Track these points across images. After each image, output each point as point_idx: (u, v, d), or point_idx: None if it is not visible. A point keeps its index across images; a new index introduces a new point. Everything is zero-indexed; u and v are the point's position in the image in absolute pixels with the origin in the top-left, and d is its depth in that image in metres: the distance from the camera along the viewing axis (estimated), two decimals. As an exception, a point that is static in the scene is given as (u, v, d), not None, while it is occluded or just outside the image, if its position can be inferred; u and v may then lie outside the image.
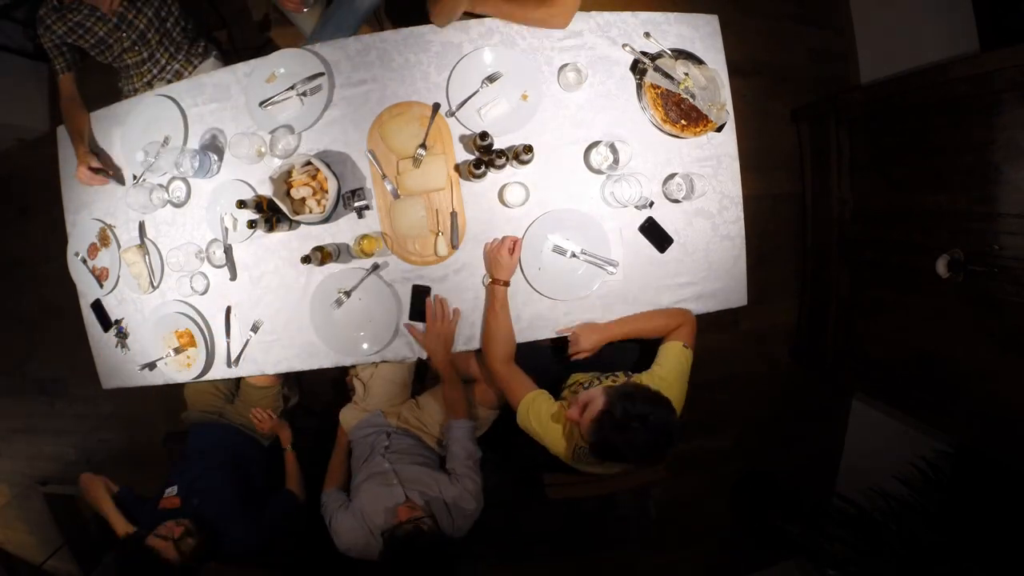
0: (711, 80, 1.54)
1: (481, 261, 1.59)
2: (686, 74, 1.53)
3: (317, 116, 1.59)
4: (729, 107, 1.57)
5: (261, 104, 1.61)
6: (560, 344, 1.60)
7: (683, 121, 1.54)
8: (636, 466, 1.29)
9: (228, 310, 1.68)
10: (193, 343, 1.68)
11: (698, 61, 1.57)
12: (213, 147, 1.66)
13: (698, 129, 1.54)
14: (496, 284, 1.52)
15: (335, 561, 1.54)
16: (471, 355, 1.72)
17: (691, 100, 1.53)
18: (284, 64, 1.62)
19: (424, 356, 1.64)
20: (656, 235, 1.58)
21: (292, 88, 1.60)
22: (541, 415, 1.39)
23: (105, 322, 1.80)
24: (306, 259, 1.50)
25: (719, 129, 1.57)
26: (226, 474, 1.69)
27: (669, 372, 1.42)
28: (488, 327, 1.53)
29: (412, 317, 1.61)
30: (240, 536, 1.59)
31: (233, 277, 1.67)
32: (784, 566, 2.64)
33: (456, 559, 1.34)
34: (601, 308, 1.60)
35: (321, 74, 1.59)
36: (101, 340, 1.82)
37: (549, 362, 1.77)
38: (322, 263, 1.54)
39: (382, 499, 1.46)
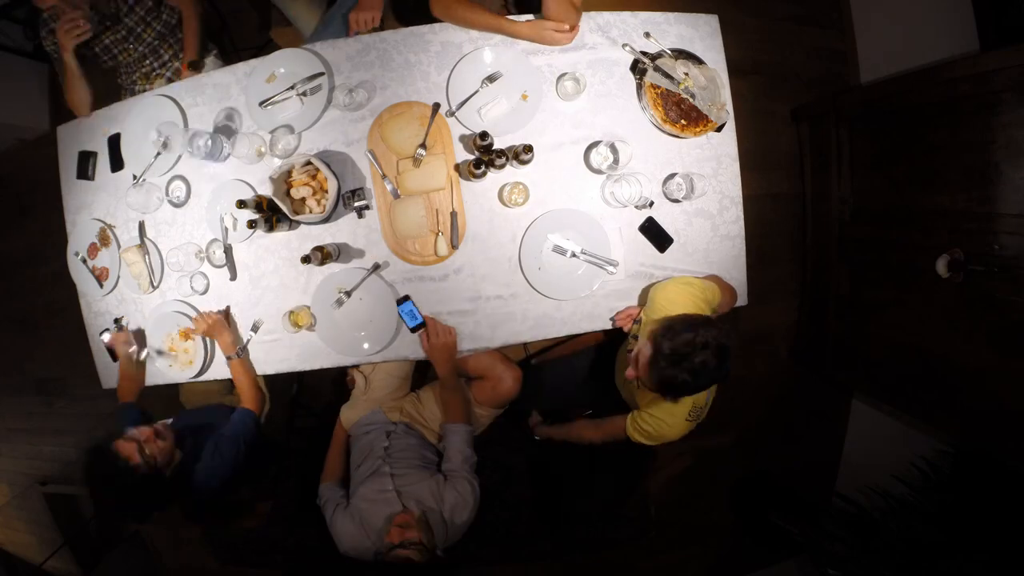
0: (711, 80, 1.54)
1: (480, 260, 1.59)
2: (686, 74, 1.53)
3: (317, 116, 1.59)
4: (729, 107, 1.57)
5: (261, 104, 1.61)
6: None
7: (683, 121, 1.54)
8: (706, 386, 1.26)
9: (226, 310, 1.68)
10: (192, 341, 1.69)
11: (698, 61, 1.57)
12: (226, 131, 1.66)
13: (698, 129, 1.54)
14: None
15: (335, 561, 1.54)
16: (474, 356, 1.71)
17: (691, 100, 1.53)
18: (284, 64, 1.62)
19: (424, 356, 1.64)
20: (656, 235, 1.58)
21: (292, 88, 1.60)
22: (644, 430, 1.44)
23: (114, 354, 1.79)
24: (306, 259, 1.50)
25: (719, 129, 1.57)
26: (218, 429, 1.63)
27: (671, 304, 1.37)
28: (584, 440, 1.72)
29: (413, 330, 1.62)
30: (213, 466, 1.49)
31: (233, 277, 1.67)
32: (784, 566, 2.64)
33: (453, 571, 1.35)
34: (604, 308, 1.60)
35: (321, 74, 1.59)
36: (101, 340, 1.82)
37: (584, 374, 1.81)
38: (322, 263, 1.54)
39: (380, 506, 1.46)
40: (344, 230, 1.62)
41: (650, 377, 1.21)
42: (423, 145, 1.53)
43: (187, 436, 1.56)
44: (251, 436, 1.57)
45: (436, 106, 1.54)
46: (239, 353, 1.64)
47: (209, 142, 1.57)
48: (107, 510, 1.39)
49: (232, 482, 1.55)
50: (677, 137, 1.57)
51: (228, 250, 1.65)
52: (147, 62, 1.89)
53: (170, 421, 1.62)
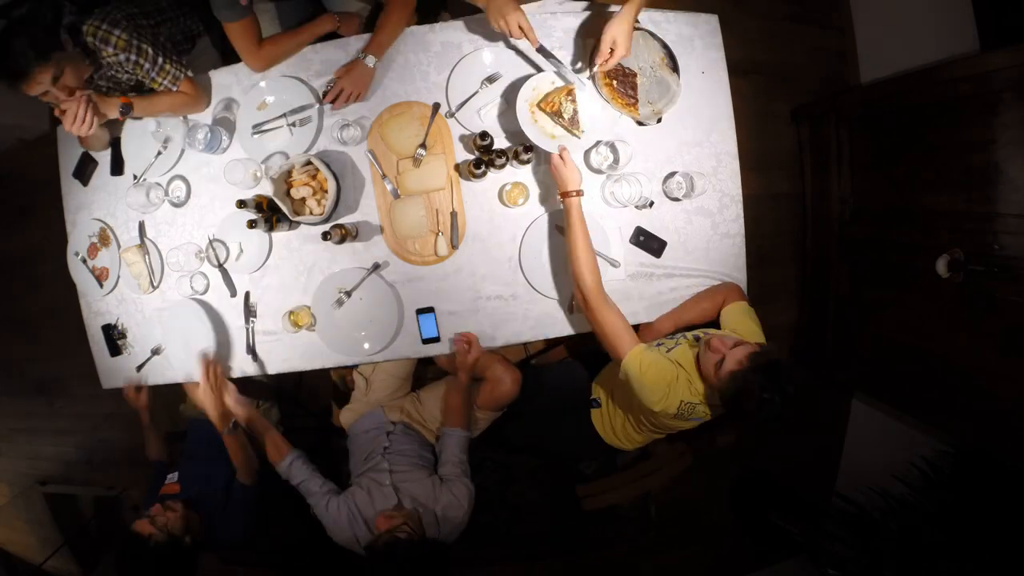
0: (666, 85, 1.54)
1: (480, 260, 1.59)
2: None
3: (307, 147, 1.59)
4: (680, 117, 1.57)
5: (253, 129, 1.60)
6: None
7: (616, 85, 1.54)
8: (748, 423, 1.34)
9: (247, 295, 1.67)
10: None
11: (674, 69, 1.56)
12: (225, 123, 1.65)
13: (623, 104, 1.54)
14: (568, 196, 1.40)
15: (335, 561, 1.55)
16: (489, 357, 1.71)
17: (637, 78, 1.54)
18: (274, 93, 1.62)
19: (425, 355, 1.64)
20: (648, 243, 1.59)
21: (283, 116, 1.60)
22: (646, 369, 1.33)
23: (113, 347, 1.80)
24: (326, 236, 1.49)
25: (639, 123, 1.57)
26: (223, 468, 1.68)
27: (752, 334, 1.43)
28: (573, 248, 1.39)
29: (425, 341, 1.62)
30: (227, 526, 1.61)
31: (233, 294, 1.67)
32: (784, 566, 2.64)
33: (446, 562, 1.35)
34: (601, 308, 1.60)
35: (311, 105, 1.58)
36: (101, 340, 1.82)
37: (584, 376, 1.77)
38: (341, 241, 1.53)
39: (377, 501, 1.47)
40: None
41: (729, 376, 1.24)
42: (423, 145, 1.53)
43: (195, 486, 1.63)
44: (252, 503, 1.66)
45: (436, 106, 1.54)
46: (232, 429, 1.57)
47: (208, 135, 1.57)
48: None
49: (254, 532, 1.70)
50: (608, 103, 1.55)
51: (225, 270, 1.65)
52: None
53: (176, 476, 1.68)
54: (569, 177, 1.40)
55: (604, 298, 1.37)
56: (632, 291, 1.60)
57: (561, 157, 1.41)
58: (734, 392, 1.23)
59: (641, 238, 1.58)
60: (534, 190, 1.56)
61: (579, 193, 1.40)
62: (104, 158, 1.77)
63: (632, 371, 1.32)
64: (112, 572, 2.79)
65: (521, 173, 1.57)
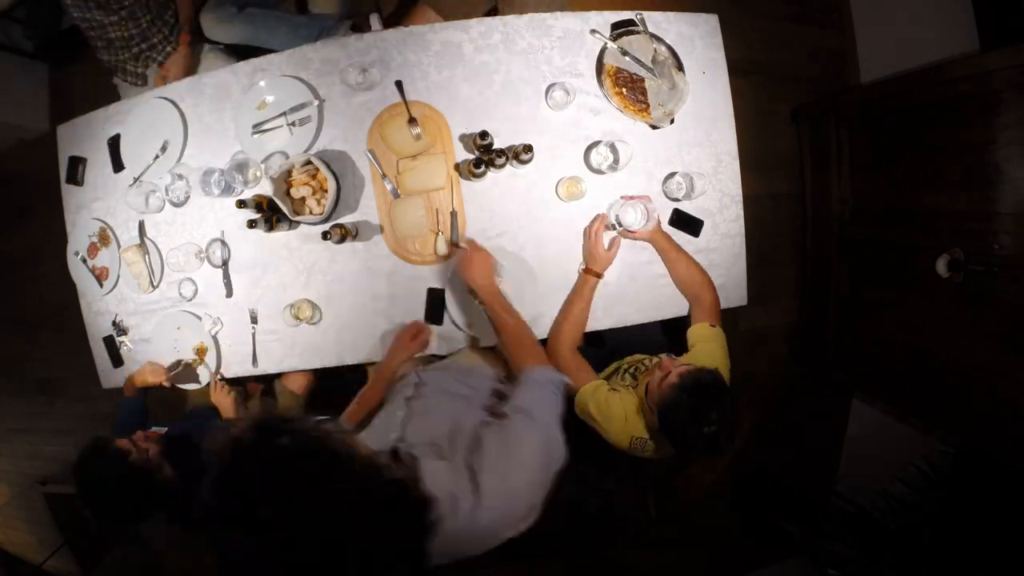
0: (674, 83, 1.54)
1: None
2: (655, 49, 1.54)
3: (307, 147, 1.58)
4: (679, 118, 1.56)
5: (253, 129, 1.60)
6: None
7: (627, 92, 1.55)
8: (683, 454, 1.29)
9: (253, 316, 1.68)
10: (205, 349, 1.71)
11: (679, 67, 1.57)
12: (240, 168, 1.62)
13: (635, 110, 1.55)
14: (589, 274, 1.51)
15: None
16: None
17: (645, 82, 1.54)
18: (273, 92, 1.62)
19: (430, 352, 1.61)
20: (687, 223, 1.60)
21: (283, 115, 1.59)
22: (601, 404, 1.38)
23: (116, 358, 1.80)
24: (325, 235, 1.49)
25: (653, 126, 1.57)
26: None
27: (713, 359, 1.40)
28: (569, 311, 1.52)
29: (428, 319, 1.60)
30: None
31: (229, 294, 1.67)
32: (784, 566, 2.63)
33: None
34: (600, 308, 1.60)
35: (310, 103, 1.58)
36: (101, 340, 1.82)
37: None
38: (341, 240, 1.53)
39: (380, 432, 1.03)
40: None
41: (662, 397, 1.22)
42: (412, 120, 1.51)
43: (178, 452, 1.53)
44: None
45: (399, 83, 1.54)
46: None
47: (223, 182, 1.58)
48: (94, 495, 1.49)
49: None
50: (620, 111, 1.56)
51: (225, 267, 1.65)
52: (134, 43, 1.90)
53: (164, 429, 1.60)
54: (604, 261, 1.50)
55: (576, 352, 1.49)
56: (627, 294, 1.61)
57: (596, 232, 1.48)
58: (663, 405, 1.22)
59: (676, 218, 1.60)
60: (533, 190, 1.56)
61: (599, 276, 1.50)
62: (95, 156, 1.77)
63: (581, 402, 1.40)
64: (112, 572, 2.80)
65: (521, 172, 1.56)
